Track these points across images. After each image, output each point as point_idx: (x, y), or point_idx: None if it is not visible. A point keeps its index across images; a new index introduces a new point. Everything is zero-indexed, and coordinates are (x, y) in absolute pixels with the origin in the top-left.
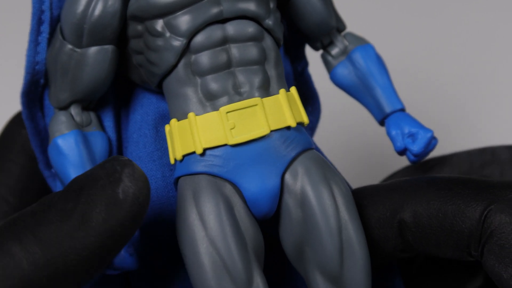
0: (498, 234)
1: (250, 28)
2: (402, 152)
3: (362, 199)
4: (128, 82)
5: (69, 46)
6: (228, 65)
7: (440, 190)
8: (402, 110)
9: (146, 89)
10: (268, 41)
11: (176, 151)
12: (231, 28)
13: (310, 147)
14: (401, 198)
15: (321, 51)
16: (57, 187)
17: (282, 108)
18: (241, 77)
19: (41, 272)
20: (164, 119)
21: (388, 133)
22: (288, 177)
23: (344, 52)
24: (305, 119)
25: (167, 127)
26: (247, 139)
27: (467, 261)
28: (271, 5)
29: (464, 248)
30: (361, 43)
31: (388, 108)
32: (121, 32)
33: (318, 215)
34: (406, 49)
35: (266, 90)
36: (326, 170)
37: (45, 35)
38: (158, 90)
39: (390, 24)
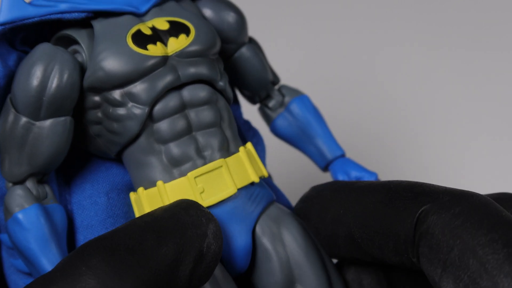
0: (427, 235)
1: (204, 92)
2: None
3: (317, 202)
4: (73, 150)
5: (25, 119)
6: (188, 130)
7: (383, 193)
8: (343, 155)
9: (98, 157)
10: (221, 103)
11: None
12: (187, 94)
13: (272, 200)
14: (348, 199)
15: (258, 105)
16: (9, 262)
17: (244, 166)
18: (202, 141)
19: None
20: (115, 186)
21: (335, 179)
22: (259, 232)
23: (282, 104)
24: (264, 173)
25: (132, 195)
26: (217, 200)
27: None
28: (220, 67)
29: (403, 253)
30: (297, 94)
31: (330, 155)
32: (76, 104)
33: (301, 253)
34: (338, 96)
35: (226, 151)
36: (282, 225)
37: None
38: (116, 159)
39: (326, 73)
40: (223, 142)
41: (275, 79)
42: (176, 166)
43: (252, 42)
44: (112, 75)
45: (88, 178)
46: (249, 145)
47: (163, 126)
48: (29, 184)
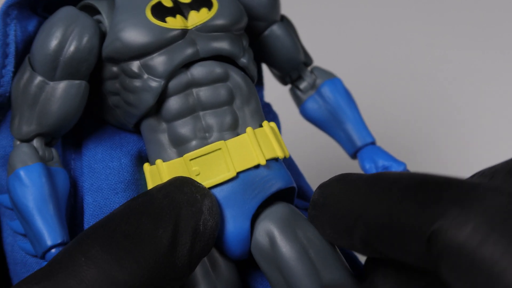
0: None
1: (213, 70)
2: None
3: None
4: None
5: (40, 78)
6: (193, 110)
7: (396, 192)
8: (373, 143)
9: (114, 127)
10: (235, 80)
11: None
12: (194, 72)
13: (285, 186)
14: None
15: (289, 86)
16: (7, 224)
17: (249, 148)
18: (207, 121)
19: None
20: (128, 152)
21: (362, 167)
22: (257, 238)
23: (313, 86)
24: (279, 154)
25: (145, 167)
26: (212, 184)
27: None
28: (244, 43)
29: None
30: (330, 77)
31: (359, 142)
32: (95, 73)
33: (296, 280)
34: (374, 83)
35: (233, 131)
36: (296, 225)
37: (9, 68)
38: (135, 130)
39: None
40: (231, 122)
41: (308, 60)
42: (177, 146)
43: (284, 20)
44: (128, 46)
45: (101, 143)
46: (265, 123)
47: (169, 103)
48: (37, 144)
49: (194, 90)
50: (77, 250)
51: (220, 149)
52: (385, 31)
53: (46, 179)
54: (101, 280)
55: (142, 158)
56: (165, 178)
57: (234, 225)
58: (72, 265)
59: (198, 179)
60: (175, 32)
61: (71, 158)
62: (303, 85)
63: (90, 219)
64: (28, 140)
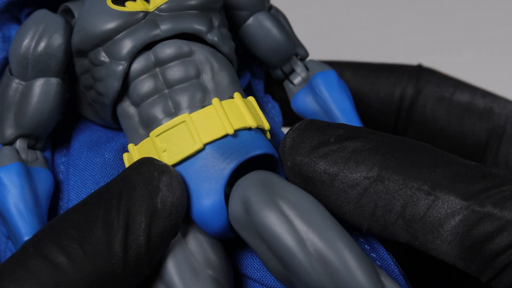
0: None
1: (172, 48)
2: None
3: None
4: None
5: (16, 80)
6: (158, 89)
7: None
8: None
9: (101, 127)
10: (202, 55)
11: None
12: (156, 52)
13: (255, 153)
14: None
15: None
16: None
17: (215, 118)
18: (174, 98)
19: (85, 283)
20: (111, 147)
21: None
22: (233, 208)
23: (306, 79)
24: (250, 123)
25: (125, 156)
26: (180, 158)
27: None
28: (215, 22)
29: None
30: (322, 69)
31: None
32: (72, 71)
33: (273, 240)
34: None
35: (201, 104)
36: (271, 188)
37: None
38: (116, 125)
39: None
40: (197, 96)
41: (303, 53)
42: (147, 127)
43: (273, 10)
44: (89, 33)
45: (87, 141)
46: (236, 95)
47: (136, 86)
48: (19, 146)
49: (159, 69)
50: (29, 243)
51: (184, 121)
52: (384, 30)
53: (25, 178)
54: (47, 270)
55: (126, 152)
56: (136, 159)
57: (208, 199)
58: (22, 256)
59: (165, 155)
60: (134, 16)
61: (60, 161)
62: (296, 79)
63: None
64: (10, 142)
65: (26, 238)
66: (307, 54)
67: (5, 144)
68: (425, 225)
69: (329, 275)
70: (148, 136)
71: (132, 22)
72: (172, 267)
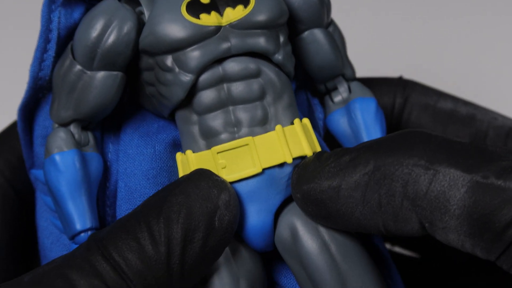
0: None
1: (246, 65)
2: None
3: None
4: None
5: (79, 67)
6: (224, 104)
7: None
8: None
9: (152, 114)
10: (267, 76)
11: None
12: (226, 67)
13: None
14: None
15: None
16: (41, 198)
17: (276, 145)
18: (237, 115)
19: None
20: (163, 140)
21: None
22: (280, 231)
23: (346, 101)
24: (307, 152)
25: (178, 155)
26: (238, 178)
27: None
28: (281, 39)
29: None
30: (364, 94)
31: None
32: (135, 63)
33: (315, 273)
34: None
35: (262, 127)
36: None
37: (51, 53)
38: (171, 119)
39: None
40: (261, 118)
41: (349, 74)
42: (207, 138)
43: (331, 27)
44: (161, 40)
45: (139, 129)
46: (296, 121)
47: (201, 97)
48: (73, 128)
49: (226, 85)
50: (94, 244)
51: (247, 144)
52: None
53: (80, 165)
54: (114, 276)
55: (177, 146)
56: (193, 168)
57: (258, 219)
58: (90, 254)
59: (224, 171)
60: (208, 29)
61: (109, 140)
62: (337, 98)
63: (121, 203)
64: (65, 124)
65: (78, 227)
66: (353, 76)
67: (60, 125)
68: (431, 201)
69: None
70: (207, 147)
71: (204, 36)
72: (217, 279)
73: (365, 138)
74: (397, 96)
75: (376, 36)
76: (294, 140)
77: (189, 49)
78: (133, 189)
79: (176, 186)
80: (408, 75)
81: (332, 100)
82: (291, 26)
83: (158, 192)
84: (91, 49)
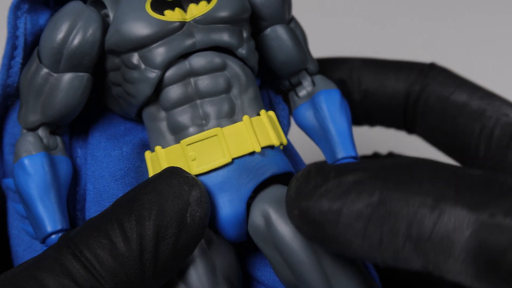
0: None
1: (212, 60)
2: None
3: None
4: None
5: (46, 70)
6: (191, 98)
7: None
8: (355, 158)
9: (119, 116)
10: (233, 70)
11: None
12: (192, 62)
13: (279, 172)
14: None
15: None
16: (12, 207)
17: (245, 135)
18: (204, 109)
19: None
20: (130, 141)
21: None
22: (254, 219)
23: (311, 94)
24: (274, 141)
25: (147, 154)
26: (208, 169)
27: None
28: (245, 34)
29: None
30: (327, 87)
31: (340, 154)
32: (101, 64)
33: (291, 255)
34: None
35: (229, 118)
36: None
37: (18, 60)
38: (139, 120)
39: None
40: (228, 110)
41: (312, 68)
42: (175, 133)
43: (292, 23)
44: (126, 38)
45: (106, 132)
46: (263, 112)
47: (168, 93)
48: (42, 132)
49: (192, 79)
50: (64, 243)
51: (216, 135)
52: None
53: (49, 168)
54: (85, 274)
55: (145, 146)
56: (164, 164)
57: (230, 209)
58: (59, 255)
59: (194, 163)
60: (172, 25)
61: (78, 145)
62: (301, 92)
63: (90, 205)
64: (33, 129)
65: (49, 229)
66: (316, 70)
67: (28, 129)
68: (435, 244)
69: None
70: (176, 142)
71: (169, 32)
72: (193, 270)
73: (332, 128)
74: (415, 84)
75: (376, 36)
76: (261, 130)
77: (154, 45)
78: (101, 191)
79: (147, 184)
80: None
81: (297, 95)
82: (254, 23)
83: (128, 192)
84: (57, 50)
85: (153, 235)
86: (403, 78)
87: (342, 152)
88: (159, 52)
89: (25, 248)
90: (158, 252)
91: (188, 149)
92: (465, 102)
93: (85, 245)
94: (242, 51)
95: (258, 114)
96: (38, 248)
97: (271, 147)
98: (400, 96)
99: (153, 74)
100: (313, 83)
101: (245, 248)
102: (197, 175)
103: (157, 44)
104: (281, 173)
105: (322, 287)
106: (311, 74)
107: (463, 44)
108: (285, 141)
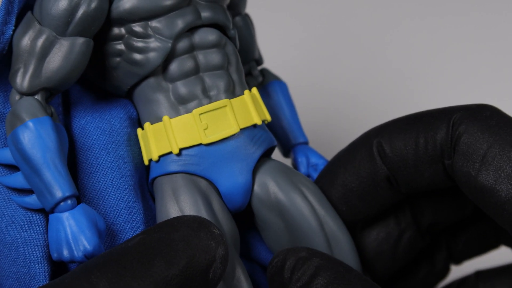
0: (465, 134)
1: (214, 35)
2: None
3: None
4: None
5: (50, 32)
6: (196, 71)
7: (409, 118)
8: (306, 143)
9: (104, 93)
10: (229, 48)
11: (151, 152)
12: (197, 37)
13: (273, 144)
14: (376, 131)
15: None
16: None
17: (248, 108)
18: (208, 81)
19: None
20: (117, 115)
21: (295, 159)
22: (258, 189)
23: (261, 84)
24: (267, 117)
25: (139, 131)
26: (220, 138)
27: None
28: (230, 18)
29: (439, 159)
30: (278, 79)
31: (294, 140)
32: (96, 35)
33: (298, 220)
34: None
35: (232, 92)
36: (291, 175)
37: (10, 26)
38: (124, 95)
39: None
40: (229, 84)
41: (260, 60)
42: (182, 104)
43: (246, 16)
44: (142, 6)
45: (91, 107)
46: (254, 89)
47: (175, 64)
48: (41, 98)
49: (196, 53)
50: (85, 281)
51: (226, 106)
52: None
53: (56, 133)
54: None
55: (132, 120)
56: (177, 133)
57: (241, 177)
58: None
59: (206, 132)
60: None
61: (67, 116)
62: (252, 82)
63: (83, 177)
64: (32, 94)
65: (67, 194)
66: (262, 62)
67: (25, 94)
68: None
69: (340, 251)
70: (185, 111)
71: (179, 5)
72: None
73: (288, 116)
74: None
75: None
76: (257, 105)
77: (165, 16)
78: (94, 163)
79: (176, 230)
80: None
81: (248, 84)
82: None
83: (151, 233)
84: (69, 13)
85: (179, 285)
86: (439, 130)
87: (296, 139)
88: (170, 23)
89: (7, 223)
90: None
91: (200, 118)
92: (492, 186)
93: (108, 280)
94: (232, 31)
95: (248, 90)
96: (23, 223)
97: (265, 121)
98: (435, 150)
99: (165, 44)
100: (261, 73)
101: (240, 219)
102: (209, 144)
103: (168, 15)
104: (274, 146)
105: (323, 249)
106: (258, 64)
107: (463, 44)
108: (269, 118)
